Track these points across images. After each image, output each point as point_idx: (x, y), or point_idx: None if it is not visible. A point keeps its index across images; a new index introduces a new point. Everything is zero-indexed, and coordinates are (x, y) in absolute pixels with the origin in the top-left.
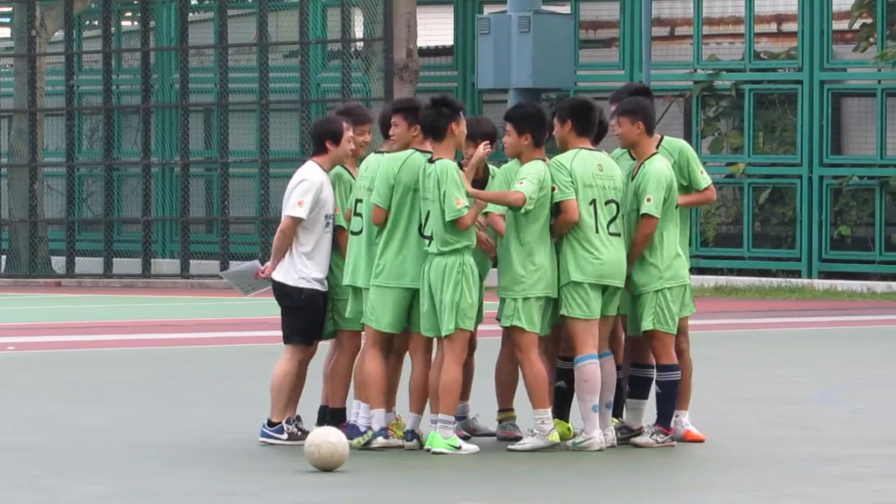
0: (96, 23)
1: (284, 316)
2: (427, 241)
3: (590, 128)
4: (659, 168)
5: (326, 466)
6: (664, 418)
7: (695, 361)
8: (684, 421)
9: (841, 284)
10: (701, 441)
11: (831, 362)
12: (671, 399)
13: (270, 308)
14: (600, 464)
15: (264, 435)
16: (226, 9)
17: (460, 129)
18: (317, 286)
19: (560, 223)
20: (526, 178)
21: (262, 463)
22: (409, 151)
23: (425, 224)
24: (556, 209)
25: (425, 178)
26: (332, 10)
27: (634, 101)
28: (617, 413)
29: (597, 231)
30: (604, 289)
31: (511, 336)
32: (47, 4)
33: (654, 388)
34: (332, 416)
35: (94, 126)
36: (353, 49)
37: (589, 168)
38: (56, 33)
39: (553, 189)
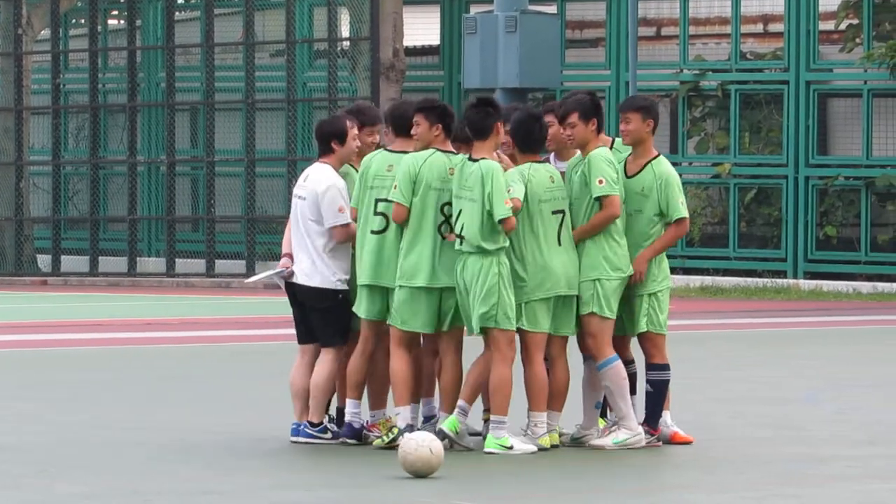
0: (83, 21)
1: (321, 319)
2: (459, 241)
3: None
4: (668, 170)
5: (426, 469)
6: (653, 418)
7: (680, 362)
8: (668, 421)
9: (827, 285)
10: (689, 443)
11: (817, 362)
12: (661, 399)
13: (255, 307)
14: (588, 464)
15: (306, 435)
16: (212, 8)
17: (502, 129)
18: (346, 286)
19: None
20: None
21: (246, 462)
22: (431, 150)
23: (456, 223)
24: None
25: (464, 176)
26: (318, 9)
27: (647, 99)
28: (602, 413)
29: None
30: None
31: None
32: (34, 3)
33: (643, 387)
34: (340, 415)
35: (80, 124)
36: (339, 48)
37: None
38: (42, 31)
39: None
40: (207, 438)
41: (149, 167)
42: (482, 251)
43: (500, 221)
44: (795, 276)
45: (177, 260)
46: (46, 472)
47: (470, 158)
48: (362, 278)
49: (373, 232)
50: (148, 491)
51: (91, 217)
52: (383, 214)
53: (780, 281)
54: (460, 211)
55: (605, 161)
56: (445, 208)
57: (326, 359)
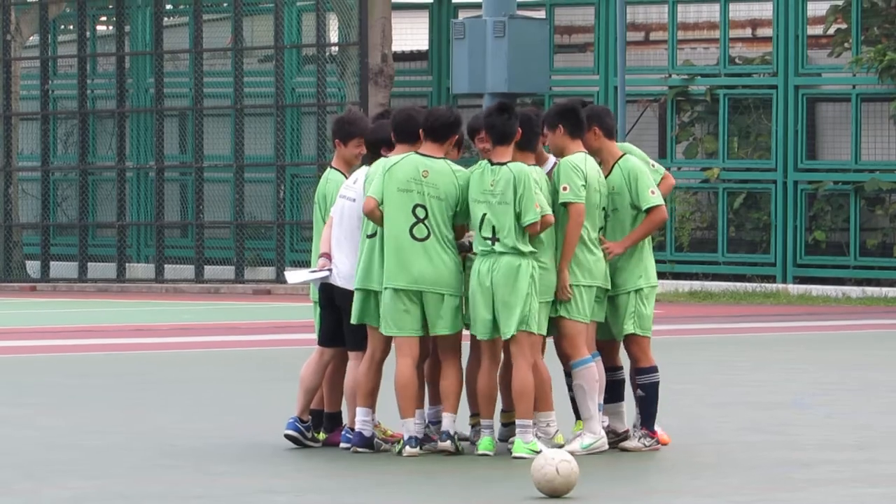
0: (71, 27)
1: (350, 323)
2: (490, 241)
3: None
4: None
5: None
6: (648, 421)
7: (669, 366)
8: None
9: (816, 289)
10: (665, 444)
11: (805, 367)
12: (654, 401)
13: (244, 313)
14: (583, 469)
15: (347, 440)
16: (201, 13)
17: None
18: None
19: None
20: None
21: (235, 467)
22: (406, 154)
23: (481, 227)
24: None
25: (485, 180)
26: (307, 14)
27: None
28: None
29: None
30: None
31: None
32: (23, 9)
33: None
34: (328, 420)
35: (69, 130)
36: (328, 54)
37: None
38: (31, 37)
39: None
40: (197, 443)
41: (138, 173)
42: (518, 252)
43: (528, 226)
44: (784, 281)
45: (166, 265)
46: (33, 477)
47: (491, 163)
48: (357, 282)
49: (367, 236)
50: (136, 495)
51: (80, 223)
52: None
53: (769, 285)
54: (483, 215)
55: (571, 168)
56: (416, 210)
57: (356, 364)
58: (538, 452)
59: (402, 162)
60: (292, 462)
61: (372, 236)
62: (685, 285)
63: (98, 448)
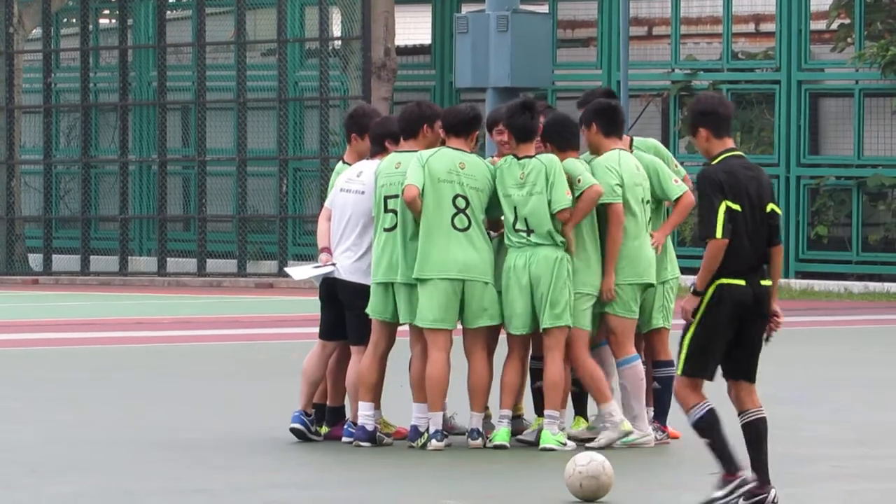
0: (74, 20)
1: (356, 317)
2: (525, 234)
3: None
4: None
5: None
6: (662, 415)
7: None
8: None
9: (818, 284)
10: (675, 438)
11: (807, 362)
12: (670, 395)
13: (246, 307)
14: None
15: (349, 434)
16: (203, 7)
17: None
18: None
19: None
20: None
21: (238, 461)
22: (438, 147)
23: (516, 220)
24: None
25: (514, 174)
26: (309, 8)
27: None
28: (581, 411)
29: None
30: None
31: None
32: (25, 2)
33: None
34: (331, 414)
35: (71, 123)
36: (330, 48)
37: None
38: (34, 31)
39: None
40: (199, 437)
41: (140, 166)
42: (554, 243)
43: (558, 212)
44: (787, 276)
45: (168, 259)
46: (36, 472)
47: (517, 157)
48: (377, 276)
49: (385, 230)
50: (138, 490)
51: (82, 216)
52: (394, 211)
53: None
54: (515, 208)
55: (605, 169)
56: (457, 200)
57: (359, 358)
58: (564, 444)
59: (438, 154)
60: (295, 456)
61: (391, 230)
62: (688, 280)
63: (100, 442)
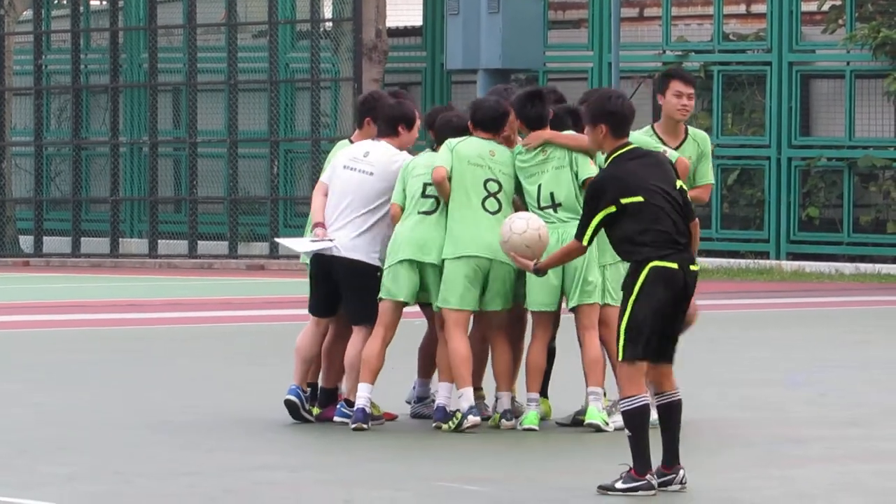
0: (65, 2)
1: (357, 296)
2: (552, 209)
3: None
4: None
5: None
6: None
7: None
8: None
9: (809, 266)
10: None
11: (799, 344)
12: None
13: (238, 289)
14: (575, 444)
15: (342, 415)
16: None
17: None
18: (382, 265)
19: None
20: None
21: (229, 443)
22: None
23: (539, 197)
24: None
25: (532, 154)
26: None
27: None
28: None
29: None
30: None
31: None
32: None
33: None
34: (323, 395)
35: (62, 105)
36: (322, 29)
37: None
38: (25, 12)
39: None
40: (190, 419)
41: (131, 148)
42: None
43: (585, 181)
44: (778, 258)
45: (159, 241)
46: (27, 453)
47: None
48: (405, 254)
49: (420, 213)
50: (130, 472)
51: (73, 198)
52: (433, 197)
53: (762, 262)
54: (539, 186)
55: None
56: (488, 184)
57: (359, 337)
58: (607, 423)
59: (467, 141)
60: (288, 438)
61: (429, 213)
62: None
63: (92, 424)
